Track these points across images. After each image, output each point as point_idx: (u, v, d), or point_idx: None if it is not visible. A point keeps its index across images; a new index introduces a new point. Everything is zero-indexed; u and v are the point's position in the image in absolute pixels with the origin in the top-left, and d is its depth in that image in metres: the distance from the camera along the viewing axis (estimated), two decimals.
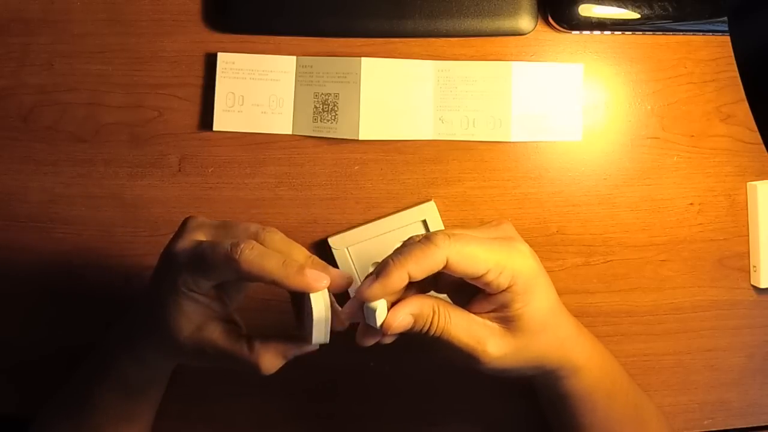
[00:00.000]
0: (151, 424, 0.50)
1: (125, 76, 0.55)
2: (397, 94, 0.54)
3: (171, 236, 0.43)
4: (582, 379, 0.46)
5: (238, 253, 0.39)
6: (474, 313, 0.42)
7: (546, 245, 0.56)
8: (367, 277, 0.40)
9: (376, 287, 0.39)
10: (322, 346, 0.41)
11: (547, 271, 0.55)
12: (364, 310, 0.40)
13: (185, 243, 0.41)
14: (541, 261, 0.55)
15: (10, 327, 0.55)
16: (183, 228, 0.43)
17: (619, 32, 0.55)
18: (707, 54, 0.56)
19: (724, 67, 0.56)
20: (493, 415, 0.55)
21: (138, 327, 0.45)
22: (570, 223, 0.56)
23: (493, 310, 0.42)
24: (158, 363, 0.46)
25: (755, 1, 0.36)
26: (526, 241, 0.55)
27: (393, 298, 0.41)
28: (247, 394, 0.55)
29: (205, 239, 0.42)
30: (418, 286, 0.43)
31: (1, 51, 0.55)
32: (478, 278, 0.40)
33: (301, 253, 0.42)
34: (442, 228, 0.54)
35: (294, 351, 0.42)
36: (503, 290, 0.41)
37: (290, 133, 0.55)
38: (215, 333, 0.41)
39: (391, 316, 0.40)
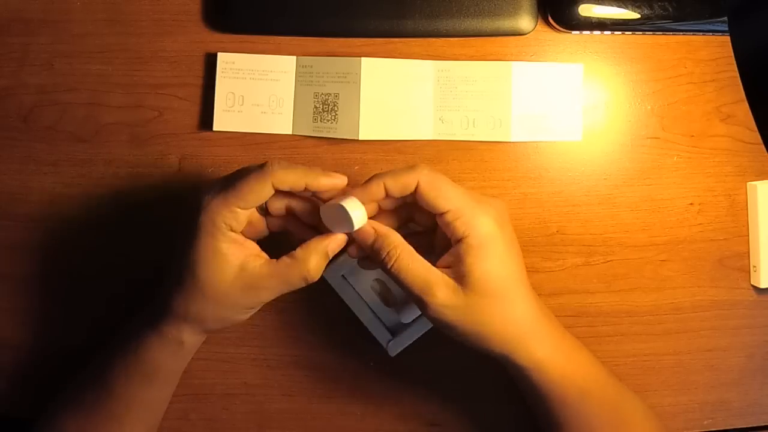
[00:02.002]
0: (164, 413, 0.51)
1: (125, 76, 0.55)
2: (397, 94, 0.54)
3: (175, 232, 0.45)
4: (544, 376, 0.46)
5: (270, 168, 0.43)
6: (438, 265, 0.44)
7: (546, 245, 0.56)
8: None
9: (358, 189, 0.44)
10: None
11: (547, 271, 0.55)
12: (338, 215, 0.44)
13: (210, 190, 0.44)
14: (541, 261, 0.56)
15: (10, 327, 0.55)
16: (201, 188, 0.45)
17: (619, 32, 0.55)
18: (707, 54, 0.56)
19: (724, 67, 0.56)
20: (493, 415, 0.55)
21: (172, 306, 0.45)
22: (570, 223, 0.56)
23: (451, 263, 0.44)
24: (197, 340, 0.47)
25: (755, 1, 0.36)
26: (527, 241, 0.55)
27: (372, 205, 0.46)
28: (247, 394, 0.55)
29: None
30: (397, 218, 0.47)
31: (1, 51, 0.55)
32: (440, 216, 0.44)
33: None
34: None
35: (332, 244, 0.45)
36: (459, 240, 0.43)
37: (290, 133, 0.55)
38: (257, 265, 0.44)
39: (364, 225, 0.44)
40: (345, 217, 0.43)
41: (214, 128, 0.55)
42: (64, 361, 0.54)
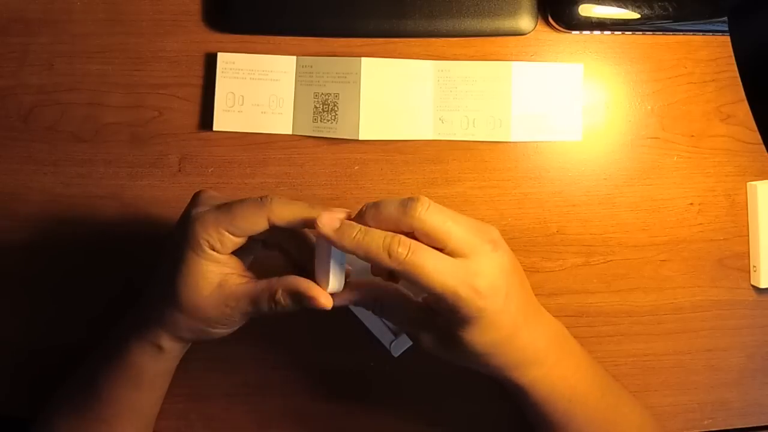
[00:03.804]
0: (156, 415, 0.51)
1: (125, 76, 0.55)
2: (397, 94, 0.54)
3: (182, 214, 0.44)
4: (529, 396, 0.46)
5: (269, 202, 0.41)
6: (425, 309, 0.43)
7: (546, 245, 0.56)
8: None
9: (345, 214, 0.41)
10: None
11: (547, 271, 0.55)
12: (321, 262, 0.42)
13: (206, 206, 0.43)
14: (541, 261, 0.56)
15: (10, 327, 0.55)
16: (196, 198, 0.44)
17: (619, 32, 0.55)
18: (707, 54, 0.56)
19: (724, 67, 0.56)
20: (493, 415, 0.55)
21: (151, 311, 0.45)
22: (570, 223, 0.56)
23: (437, 323, 0.43)
24: (174, 346, 0.46)
25: (755, 1, 0.36)
26: (527, 241, 0.55)
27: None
28: (247, 394, 0.55)
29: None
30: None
31: (1, 51, 0.55)
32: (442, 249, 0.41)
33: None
34: None
35: (306, 291, 0.42)
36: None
37: (290, 133, 0.55)
38: (235, 284, 0.42)
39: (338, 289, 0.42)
40: (324, 271, 0.42)
41: (214, 128, 0.55)
42: (63, 360, 0.54)
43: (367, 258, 0.40)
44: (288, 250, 0.46)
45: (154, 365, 0.47)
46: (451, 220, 0.40)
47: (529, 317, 0.44)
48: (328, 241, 0.40)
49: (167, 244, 0.44)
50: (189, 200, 0.45)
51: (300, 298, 0.42)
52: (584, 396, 0.47)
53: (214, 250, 0.42)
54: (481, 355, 0.43)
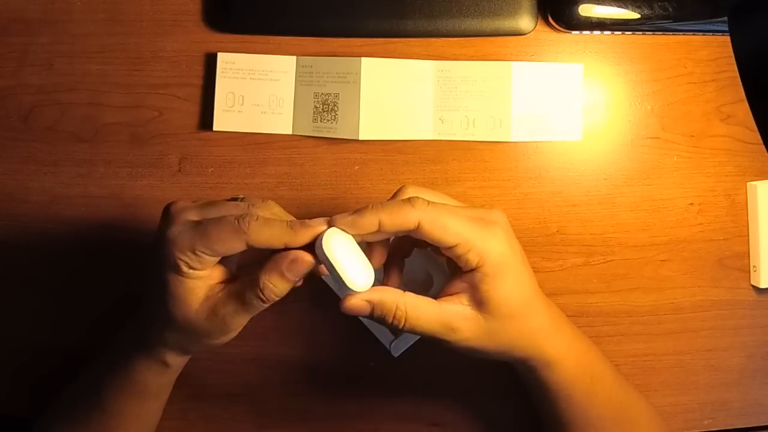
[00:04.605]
0: (159, 419, 0.51)
1: (125, 76, 0.55)
2: (397, 94, 0.54)
3: (157, 232, 0.43)
4: (555, 372, 0.46)
5: (246, 225, 0.39)
6: (451, 292, 0.43)
7: (546, 245, 0.56)
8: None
9: (348, 219, 0.40)
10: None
11: (547, 271, 0.55)
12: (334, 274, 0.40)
13: (180, 225, 0.41)
14: (541, 261, 0.56)
15: (10, 327, 0.55)
16: (168, 214, 0.42)
17: (619, 32, 0.55)
18: (707, 54, 0.56)
19: (724, 67, 0.56)
20: (493, 415, 0.55)
21: (150, 332, 0.44)
22: (570, 223, 0.56)
23: (466, 290, 0.43)
24: (180, 360, 0.46)
25: (755, 1, 0.36)
26: (527, 241, 0.55)
27: (359, 238, 0.41)
28: (247, 394, 0.55)
29: (197, 219, 0.42)
30: (399, 251, 0.45)
31: (1, 51, 0.55)
32: (448, 249, 0.41)
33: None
34: None
35: (289, 264, 0.41)
36: (473, 269, 0.42)
37: (290, 133, 0.55)
38: (218, 291, 0.42)
39: (351, 298, 0.41)
40: (337, 280, 0.41)
41: (214, 128, 0.55)
42: (64, 361, 0.54)
43: (391, 223, 0.40)
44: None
45: (159, 379, 0.47)
46: (450, 215, 0.41)
47: (540, 292, 0.45)
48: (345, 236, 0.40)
49: (151, 264, 0.43)
50: (161, 214, 0.43)
51: (284, 272, 0.40)
52: (603, 375, 0.48)
53: (192, 269, 0.41)
54: (515, 317, 0.43)
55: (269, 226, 0.40)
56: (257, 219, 0.40)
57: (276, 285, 0.41)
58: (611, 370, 0.49)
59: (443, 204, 0.42)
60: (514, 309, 0.43)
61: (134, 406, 0.47)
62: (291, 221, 0.41)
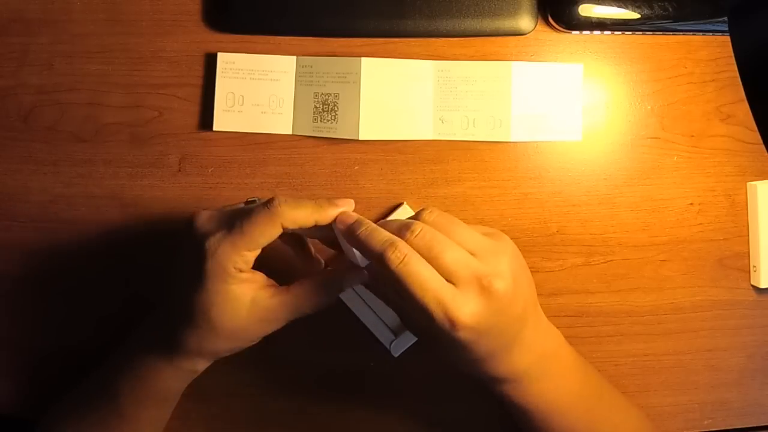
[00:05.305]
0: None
1: (125, 76, 0.55)
2: (397, 94, 0.54)
3: (181, 237, 0.44)
4: (493, 389, 0.45)
5: (276, 207, 0.41)
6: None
7: (546, 245, 0.56)
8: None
9: (361, 233, 0.42)
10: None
11: (547, 271, 0.55)
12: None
13: (216, 234, 0.42)
14: (541, 261, 0.56)
15: (10, 327, 0.55)
16: (195, 228, 0.43)
17: (619, 32, 0.55)
18: (707, 54, 0.56)
19: (724, 67, 0.56)
20: (493, 415, 0.55)
21: (184, 344, 0.45)
22: (570, 223, 0.56)
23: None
24: (206, 366, 0.47)
25: (755, 1, 0.36)
26: (527, 241, 0.55)
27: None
28: (247, 394, 0.55)
29: (226, 225, 0.43)
30: None
31: (1, 51, 0.55)
32: None
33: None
34: None
35: (349, 280, 0.44)
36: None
37: (290, 133, 0.55)
38: (267, 297, 0.43)
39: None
40: (350, 250, 0.43)
41: (214, 128, 0.55)
42: (65, 361, 0.54)
43: (366, 256, 0.41)
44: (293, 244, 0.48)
45: (183, 385, 0.49)
46: (448, 245, 0.40)
47: (518, 337, 0.43)
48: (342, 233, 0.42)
49: (180, 274, 0.44)
50: (188, 201, 0.45)
51: (342, 285, 0.44)
52: (566, 409, 0.46)
53: (241, 271, 0.42)
54: (451, 363, 0.44)
55: (299, 206, 0.42)
56: (286, 201, 0.42)
57: (333, 296, 0.45)
58: (586, 391, 0.48)
59: (453, 218, 0.42)
60: (448, 363, 0.45)
61: (154, 411, 0.49)
62: (318, 200, 0.43)
